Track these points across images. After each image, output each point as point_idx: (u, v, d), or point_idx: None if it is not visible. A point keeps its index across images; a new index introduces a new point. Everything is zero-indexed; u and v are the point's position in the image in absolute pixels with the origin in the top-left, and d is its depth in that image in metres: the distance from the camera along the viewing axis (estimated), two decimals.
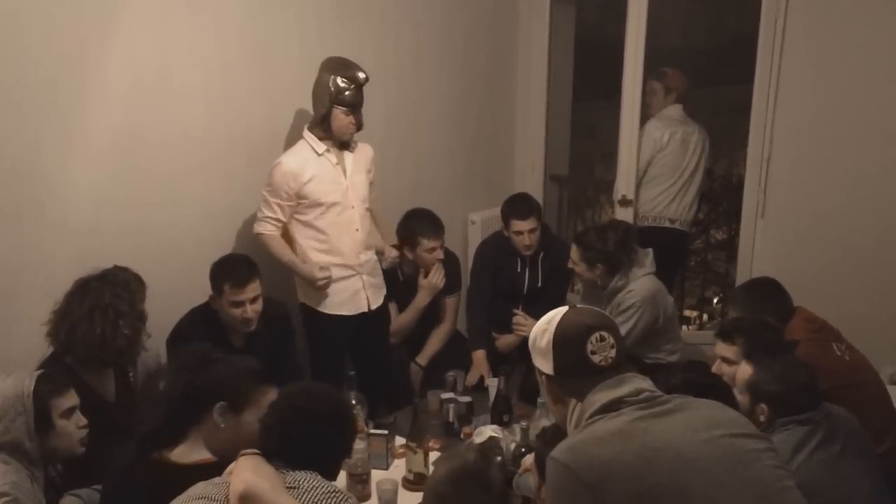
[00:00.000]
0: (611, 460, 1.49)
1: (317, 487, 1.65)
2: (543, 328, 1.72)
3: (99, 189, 2.76)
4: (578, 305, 1.77)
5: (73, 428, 2.11)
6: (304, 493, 1.64)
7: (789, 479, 1.60)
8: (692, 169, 4.38)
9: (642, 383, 1.65)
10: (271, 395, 1.96)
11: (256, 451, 1.72)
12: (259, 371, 2.02)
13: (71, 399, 2.12)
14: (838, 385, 2.41)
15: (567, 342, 1.67)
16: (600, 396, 1.61)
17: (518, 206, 3.68)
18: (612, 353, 1.65)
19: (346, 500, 1.66)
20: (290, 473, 1.68)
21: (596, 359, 1.64)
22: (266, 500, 1.58)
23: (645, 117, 4.41)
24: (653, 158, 4.37)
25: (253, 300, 2.82)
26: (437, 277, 3.50)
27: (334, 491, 1.67)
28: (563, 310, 1.74)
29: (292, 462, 1.71)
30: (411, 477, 2.49)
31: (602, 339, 1.65)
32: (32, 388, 2.03)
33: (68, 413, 2.10)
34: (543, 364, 1.71)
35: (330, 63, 3.07)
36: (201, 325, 2.83)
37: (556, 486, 1.55)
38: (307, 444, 1.74)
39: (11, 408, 2.01)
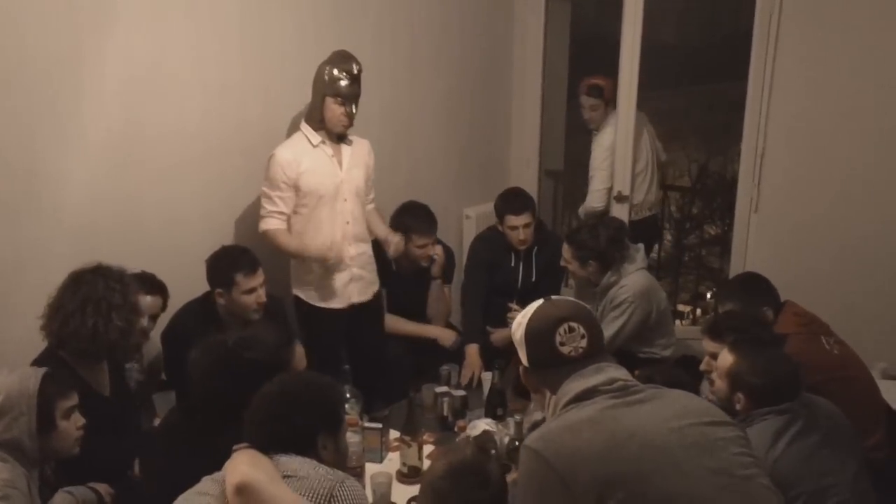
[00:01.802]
0: (581, 447, 1.53)
1: (312, 475, 1.65)
2: (519, 321, 1.78)
3: (95, 185, 2.77)
4: (554, 297, 1.79)
5: (72, 429, 2.10)
6: (301, 480, 1.64)
7: (756, 466, 1.62)
8: (647, 154, 4.41)
9: (616, 372, 1.68)
10: (299, 349, 2.11)
11: (248, 444, 1.72)
12: (282, 336, 2.13)
13: (73, 399, 2.11)
14: (827, 379, 2.43)
15: (537, 335, 1.72)
16: (574, 386, 1.65)
17: (512, 201, 3.69)
18: (583, 343, 1.68)
19: (343, 482, 1.66)
20: (283, 461, 1.68)
21: (565, 350, 1.68)
22: (262, 490, 1.58)
23: (586, 132, 4.48)
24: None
25: (262, 285, 2.85)
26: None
27: (330, 472, 1.67)
28: (538, 302, 1.77)
29: (274, 447, 1.71)
30: (406, 470, 2.51)
31: (571, 329, 1.69)
32: (38, 388, 2.03)
33: (69, 413, 2.09)
34: (521, 356, 1.77)
35: (330, 56, 3.09)
36: (198, 319, 2.83)
37: (528, 473, 1.59)
38: (278, 422, 1.75)
39: (15, 406, 2.00)
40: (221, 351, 2.07)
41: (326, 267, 3.13)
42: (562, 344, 1.68)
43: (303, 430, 1.77)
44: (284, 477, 1.65)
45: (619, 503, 1.47)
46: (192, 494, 1.71)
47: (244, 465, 1.64)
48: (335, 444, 1.82)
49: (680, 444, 1.54)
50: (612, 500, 1.48)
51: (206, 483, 1.72)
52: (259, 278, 2.84)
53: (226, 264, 2.84)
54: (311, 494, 1.62)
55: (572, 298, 1.83)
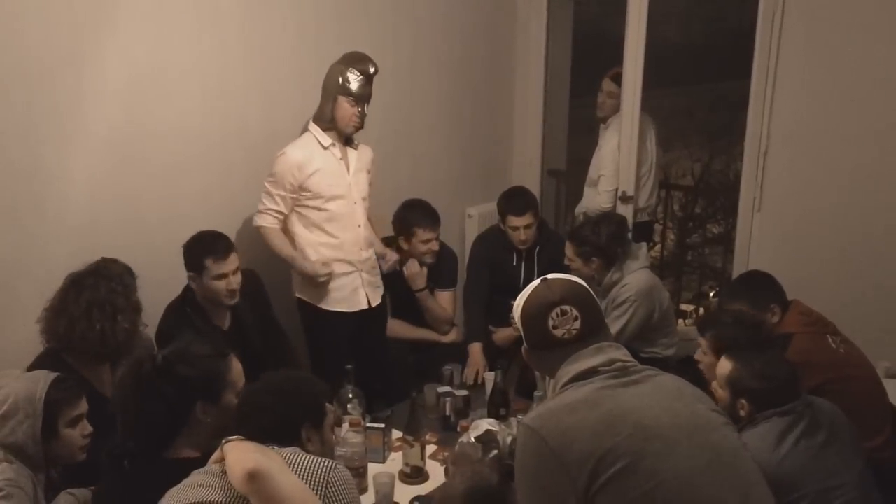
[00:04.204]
0: (576, 424, 1.56)
1: (305, 461, 1.66)
2: (518, 304, 1.80)
3: (96, 184, 2.77)
4: (550, 277, 1.79)
5: (77, 437, 2.09)
6: (295, 466, 1.64)
7: (746, 450, 1.66)
8: (650, 158, 4.39)
9: (616, 353, 1.70)
10: (236, 364, 1.95)
11: (239, 437, 1.70)
12: (214, 349, 1.95)
13: (80, 407, 2.10)
14: (833, 378, 2.43)
15: (531, 318, 1.74)
16: (575, 366, 1.67)
17: (515, 201, 3.68)
18: (577, 325, 1.70)
19: (335, 467, 1.67)
20: (275, 451, 1.68)
21: (558, 333, 1.70)
22: (273, 477, 1.57)
23: (589, 131, 4.43)
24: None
25: (235, 272, 2.82)
26: (413, 268, 3.51)
27: (321, 460, 1.67)
28: (534, 284, 1.79)
29: (258, 438, 1.70)
30: (408, 470, 2.50)
31: (563, 313, 1.70)
32: (45, 393, 2.02)
33: (75, 422, 2.08)
34: (522, 336, 1.79)
35: (344, 57, 3.09)
36: (182, 319, 2.80)
37: (524, 450, 1.62)
38: (262, 415, 1.75)
39: (21, 410, 2.00)
40: (150, 368, 1.88)
41: (317, 284, 3.12)
42: (555, 327, 1.70)
43: (286, 420, 1.77)
44: None
45: (611, 478, 1.51)
46: (186, 487, 1.68)
47: (253, 451, 1.63)
48: (320, 437, 1.83)
49: (672, 424, 1.58)
50: (605, 476, 1.51)
51: (198, 476, 1.70)
52: (230, 265, 2.80)
53: (198, 249, 2.81)
54: (308, 480, 1.62)
55: (570, 277, 1.83)
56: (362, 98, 3.05)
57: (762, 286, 2.79)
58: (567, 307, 1.70)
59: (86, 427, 2.11)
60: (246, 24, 3.15)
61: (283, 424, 1.76)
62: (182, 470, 1.74)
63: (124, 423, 1.89)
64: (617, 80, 4.30)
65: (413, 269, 3.53)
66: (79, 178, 2.71)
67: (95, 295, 2.40)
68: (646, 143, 4.35)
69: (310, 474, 1.63)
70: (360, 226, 3.17)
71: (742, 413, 2.12)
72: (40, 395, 2.01)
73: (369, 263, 3.26)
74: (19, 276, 2.59)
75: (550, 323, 1.70)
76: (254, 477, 1.56)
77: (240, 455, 1.63)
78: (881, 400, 2.60)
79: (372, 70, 3.05)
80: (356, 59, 3.06)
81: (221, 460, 1.67)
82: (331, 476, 1.64)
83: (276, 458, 1.63)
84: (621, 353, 1.71)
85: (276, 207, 3.07)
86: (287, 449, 1.69)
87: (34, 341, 2.46)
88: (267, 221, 3.09)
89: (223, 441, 1.69)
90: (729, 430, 1.67)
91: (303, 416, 1.80)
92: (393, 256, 3.36)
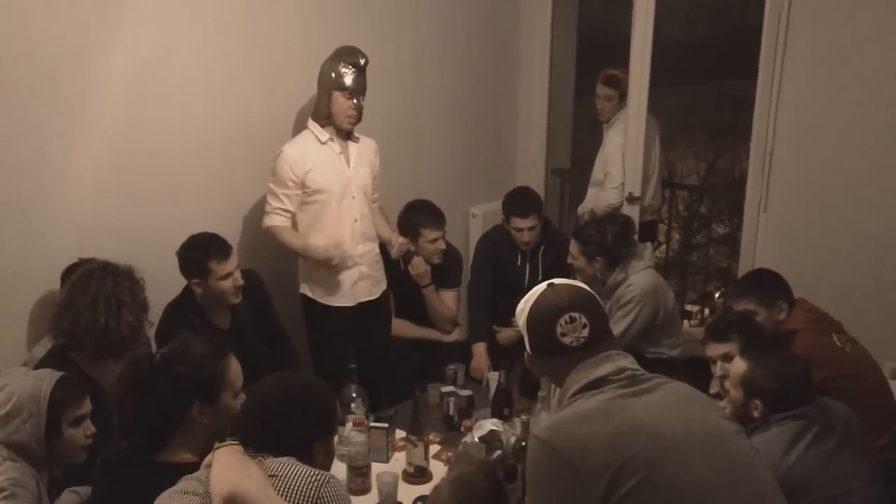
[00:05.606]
0: (589, 436, 1.53)
1: (296, 474, 1.61)
2: (522, 307, 1.75)
3: (100, 179, 2.77)
4: (557, 282, 1.74)
5: (80, 437, 2.09)
6: (284, 480, 1.60)
7: (760, 458, 1.63)
8: (654, 159, 4.37)
9: (624, 361, 1.67)
10: (234, 365, 1.93)
11: (233, 441, 1.67)
12: (213, 349, 1.92)
13: (84, 407, 2.10)
14: (838, 376, 2.42)
15: (538, 324, 1.70)
16: (583, 375, 1.63)
17: (519, 203, 3.67)
18: (585, 332, 1.66)
19: (328, 482, 1.62)
20: (267, 461, 1.64)
21: (566, 340, 1.66)
22: (252, 499, 1.53)
23: (593, 129, 4.39)
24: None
25: (237, 268, 2.83)
26: (420, 267, 3.50)
27: (314, 473, 1.63)
28: (540, 288, 1.74)
29: (268, 448, 1.67)
30: (411, 470, 2.50)
31: (572, 320, 1.66)
32: (49, 392, 2.02)
33: (78, 421, 2.08)
34: (525, 341, 1.75)
35: (335, 52, 3.09)
36: (181, 319, 2.78)
37: (535, 462, 1.58)
38: (279, 427, 1.72)
39: (25, 408, 2.00)
40: (147, 367, 1.86)
41: (332, 266, 3.11)
42: (563, 335, 1.66)
43: (303, 436, 1.74)
44: (269, 476, 1.60)
45: (631, 490, 1.48)
46: (174, 493, 1.66)
47: (233, 471, 1.58)
48: (326, 449, 1.80)
49: (686, 431, 1.55)
50: (626, 487, 1.48)
51: (187, 482, 1.67)
52: (233, 262, 2.81)
53: (198, 254, 2.80)
54: (297, 495, 1.58)
55: (576, 283, 1.80)
56: (357, 90, 3.05)
57: (770, 283, 2.79)
58: (576, 314, 1.66)
59: (88, 427, 2.11)
60: (249, 21, 3.15)
61: (299, 439, 1.73)
62: (177, 474, 1.71)
63: (121, 422, 1.87)
64: (608, 81, 4.30)
65: (420, 269, 3.51)
66: (83, 174, 2.71)
67: (101, 288, 2.40)
68: (651, 143, 4.33)
69: (300, 487, 1.59)
70: (356, 220, 3.15)
71: (755, 414, 2.10)
72: (45, 395, 2.01)
73: (368, 257, 3.25)
74: (23, 271, 2.59)
75: (559, 330, 1.66)
76: (230, 502, 1.53)
77: (220, 471, 1.59)
78: (887, 399, 2.58)
79: (362, 62, 3.05)
80: (346, 53, 3.07)
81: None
82: (322, 491, 1.59)
83: (257, 476, 1.58)
84: (629, 361, 1.67)
85: (281, 206, 3.07)
86: (281, 459, 1.65)
87: (37, 337, 2.45)
88: (275, 221, 3.09)
89: (216, 445, 1.66)
90: (741, 437, 1.64)
91: (321, 431, 1.77)
92: (399, 239, 3.31)
